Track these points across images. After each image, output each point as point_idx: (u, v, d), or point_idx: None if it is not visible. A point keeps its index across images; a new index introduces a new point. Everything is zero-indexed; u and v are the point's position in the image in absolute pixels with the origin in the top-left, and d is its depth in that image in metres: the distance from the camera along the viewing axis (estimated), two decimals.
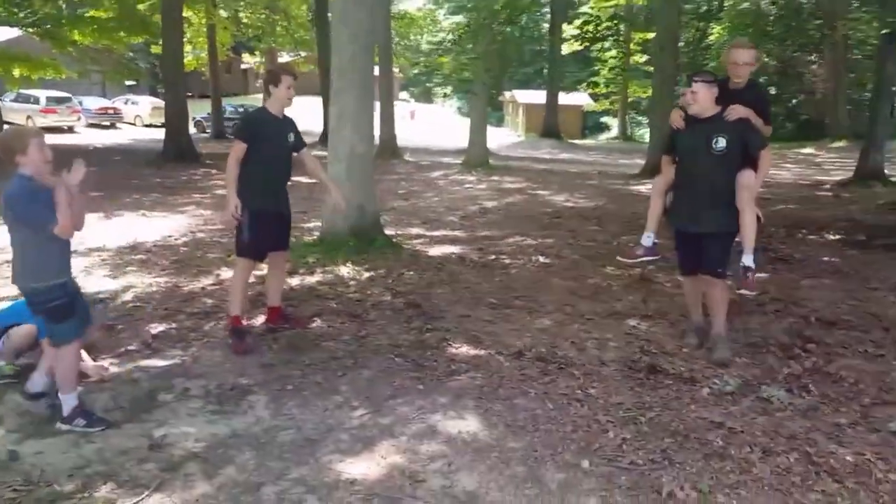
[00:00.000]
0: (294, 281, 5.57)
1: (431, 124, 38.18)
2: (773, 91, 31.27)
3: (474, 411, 3.24)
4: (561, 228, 8.07)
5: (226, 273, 5.93)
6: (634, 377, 3.55)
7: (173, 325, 4.62)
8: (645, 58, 26.90)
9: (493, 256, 6.47)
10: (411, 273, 5.77)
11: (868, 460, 2.62)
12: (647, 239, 3.96)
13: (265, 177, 4.12)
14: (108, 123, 28.84)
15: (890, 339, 3.90)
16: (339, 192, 4.70)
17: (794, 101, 30.57)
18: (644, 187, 12.36)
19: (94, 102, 29.33)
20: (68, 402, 3.09)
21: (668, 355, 3.87)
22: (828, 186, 11.83)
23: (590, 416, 3.12)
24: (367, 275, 5.69)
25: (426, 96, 60.36)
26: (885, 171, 11.94)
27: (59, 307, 3.05)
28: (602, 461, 2.75)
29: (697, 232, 3.78)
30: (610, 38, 16.25)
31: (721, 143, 3.60)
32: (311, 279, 5.60)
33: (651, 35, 23.20)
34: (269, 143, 4.08)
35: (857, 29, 24.29)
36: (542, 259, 6.34)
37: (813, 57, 26.97)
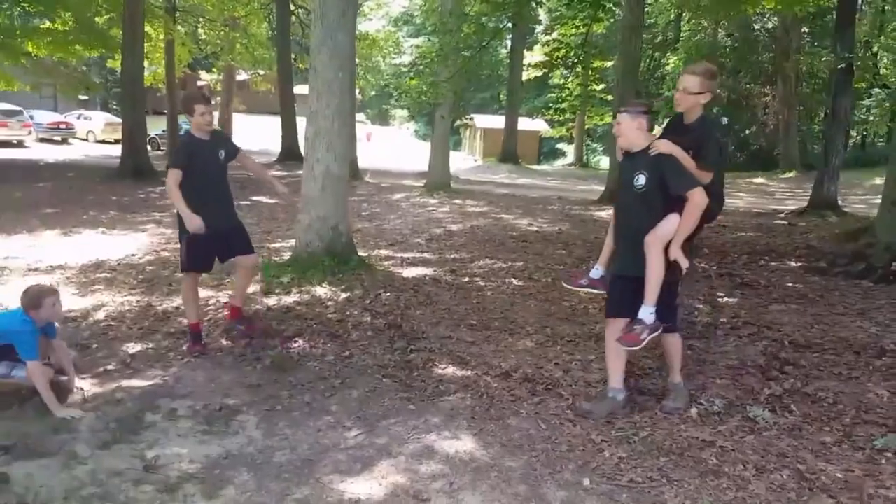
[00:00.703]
0: (271, 301, 5.49)
1: (389, 147, 38.30)
2: (724, 121, 32.61)
3: (468, 431, 3.25)
4: (528, 252, 8.17)
5: (199, 293, 5.79)
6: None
7: (150, 345, 4.51)
8: (602, 86, 27.81)
9: (467, 279, 6.51)
10: (388, 294, 5.76)
11: (858, 477, 2.74)
12: (595, 271, 3.66)
13: (200, 197, 4.31)
14: (59, 138, 27.88)
15: (862, 362, 4.08)
16: (280, 185, 4.99)
17: (746, 131, 31.91)
18: (605, 213, 12.67)
19: (45, 117, 28.38)
20: None
21: (649, 377, 3.96)
22: (783, 215, 12.34)
23: (584, 436, 3.17)
24: (343, 295, 5.65)
25: (383, 118, 60.66)
26: (839, 200, 12.51)
27: None
28: (602, 479, 2.79)
29: (617, 274, 3.51)
30: (578, 64, 16.63)
31: (640, 180, 3.26)
32: (288, 299, 5.53)
33: (609, 63, 24.05)
34: (202, 164, 4.38)
35: (809, 63, 25.64)
36: (515, 282, 6.42)
37: (766, 89, 28.26)
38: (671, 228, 3.20)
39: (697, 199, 3.13)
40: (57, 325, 3.80)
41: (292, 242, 6.97)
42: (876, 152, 27.80)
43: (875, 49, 23.21)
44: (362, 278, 6.16)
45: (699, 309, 5.42)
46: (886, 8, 24.34)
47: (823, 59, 23.11)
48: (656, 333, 3.28)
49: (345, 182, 6.87)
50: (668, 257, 3.21)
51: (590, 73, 21.59)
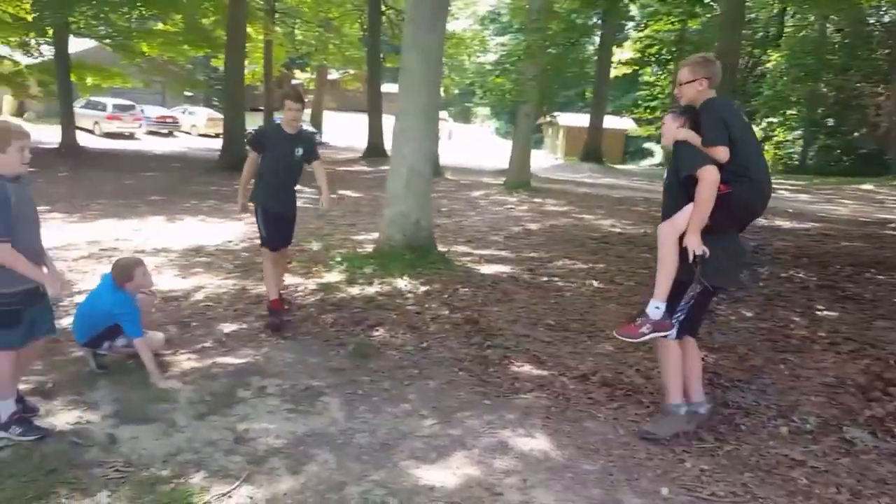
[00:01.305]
0: (354, 290, 5.67)
1: (470, 144, 38.43)
2: (830, 123, 30.48)
3: (543, 430, 3.25)
4: (610, 254, 7.99)
5: (289, 279, 6.08)
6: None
7: (244, 326, 4.77)
8: None
9: (545, 278, 6.46)
10: (466, 289, 5.81)
11: None
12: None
13: (269, 181, 4.82)
14: (166, 131, 29.85)
15: None
16: (327, 194, 5.19)
17: (854, 134, 29.68)
18: None
19: (154, 111, 30.44)
20: (4, 408, 3.00)
21: (738, 390, 3.79)
22: (893, 225, 11.45)
23: (664, 445, 3.09)
24: (423, 288, 5.75)
25: (465, 116, 60.87)
26: None
27: (5, 313, 2.88)
28: (681, 490, 2.71)
29: None
30: (672, 61, 16.04)
31: (666, 175, 3.21)
32: (370, 289, 5.69)
33: None
34: (276, 154, 4.77)
35: None
36: (595, 283, 6.31)
37: (878, 88, 26.16)
38: (685, 215, 2.95)
39: (706, 177, 2.87)
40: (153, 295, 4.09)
41: (375, 235, 7.17)
42: None
43: None
44: (441, 273, 6.25)
45: (796, 322, 5.12)
46: None
47: None
48: (661, 334, 3.01)
49: (428, 179, 7.00)
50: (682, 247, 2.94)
51: None
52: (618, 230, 10.22)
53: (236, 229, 9.00)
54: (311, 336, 4.60)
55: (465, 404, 3.54)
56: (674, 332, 3.07)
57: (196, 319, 4.86)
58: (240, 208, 5.01)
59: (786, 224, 11.14)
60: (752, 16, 25.85)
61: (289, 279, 6.04)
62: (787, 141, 32.11)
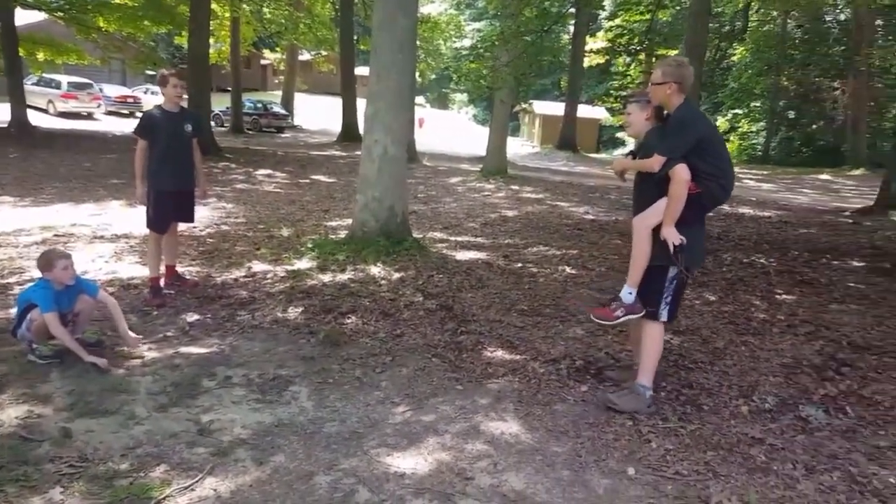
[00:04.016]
0: (326, 277, 5.65)
1: (447, 131, 38.31)
2: (791, 115, 31.36)
3: (514, 414, 3.30)
4: (583, 240, 8.11)
5: (257, 266, 6.03)
6: (670, 390, 3.59)
7: (209, 315, 4.70)
8: None
9: (520, 264, 6.53)
10: (441, 276, 5.84)
11: None
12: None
13: (163, 163, 4.94)
14: (127, 112, 29.06)
15: None
16: (203, 183, 5.34)
17: (813, 126, 30.55)
18: None
19: (114, 90, 29.58)
20: None
21: (701, 371, 3.91)
22: (847, 213, 11.82)
23: (631, 426, 3.17)
24: (397, 275, 5.76)
25: (442, 102, 60.64)
26: None
27: None
28: (647, 469, 2.79)
29: None
30: (642, 51, 16.23)
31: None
32: (343, 276, 5.68)
33: (674, 52, 23.31)
34: (166, 136, 4.92)
35: (882, 57, 24.34)
36: (568, 269, 6.39)
37: (836, 83, 26.97)
38: (657, 211, 3.19)
39: (678, 176, 3.07)
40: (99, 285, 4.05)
41: (349, 221, 7.12)
42: None
43: None
44: (416, 259, 6.26)
45: (756, 305, 5.29)
46: None
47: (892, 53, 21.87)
48: (634, 316, 3.28)
49: (402, 164, 6.96)
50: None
51: (653, 60, 21.05)
52: (591, 217, 10.35)
53: (201, 214, 8.82)
54: (279, 324, 4.55)
55: (438, 390, 3.57)
56: (665, 314, 3.31)
57: (157, 308, 4.79)
58: (140, 197, 5.00)
59: (749, 212, 11.42)
60: (719, 10, 26.26)
61: (257, 266, 5.99)
62: (751, 132, 32.87)
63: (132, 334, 3.94)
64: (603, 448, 2.97)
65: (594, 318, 3.42)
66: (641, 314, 3.28)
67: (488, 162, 16.89)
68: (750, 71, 30.48)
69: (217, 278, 5.66)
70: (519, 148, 31.66)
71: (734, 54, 30.25)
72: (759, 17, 29.06)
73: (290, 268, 5.98)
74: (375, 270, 5.82)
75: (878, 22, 25.61)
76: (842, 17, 27.13)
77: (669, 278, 3.26)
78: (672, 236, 3.13)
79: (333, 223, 8.44)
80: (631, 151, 3.61)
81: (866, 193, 16.17)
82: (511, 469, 2.78)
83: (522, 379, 3.72)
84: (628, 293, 3.26)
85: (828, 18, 27.65)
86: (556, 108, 33.58)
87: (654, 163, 3.15)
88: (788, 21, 27.58)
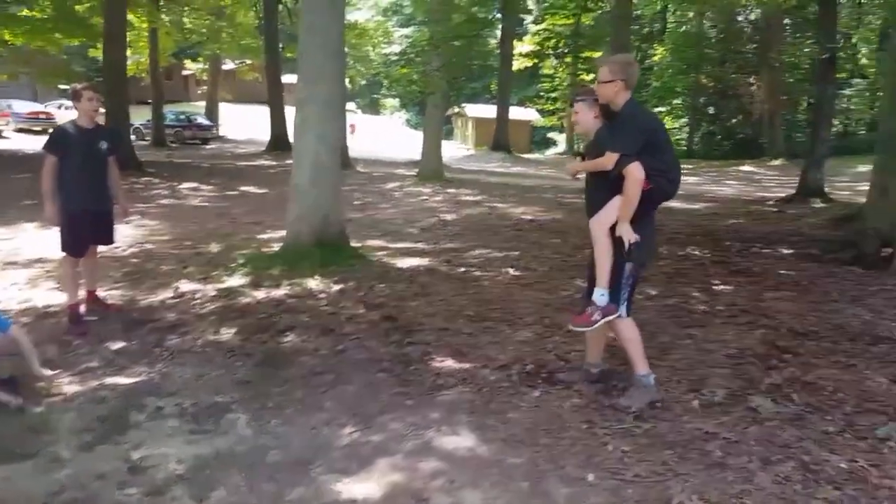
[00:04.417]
0: (260, 294, 5.37)
1: (381, 136, 38.05)
2: (711, 111, 32.86)
3: (468, 426, 3.17)
4: (524, 241, 8.11)
5: (185, 286, 5.69)
6: (622, 388, 3.54)
7: (135, 341, 4.38)
8: (592, 76, 27.56)
9: (463, 269, 6.43)
10: (382, 285, 5.66)
11: (862, 467, 2.69)
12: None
13: (76, 183, 4.59)
14: (39, 129, 27.35)
15: (858, 349, 4.05)
16: (124, 202, 5.11)
17: (733, 120, 32.09)
18: None
19: (24, 106, 27.86)
20: None
21: (651, 366, 3.83)
22: (772, 202, 12.37)
23: (587, 430, 3.10)
24: (336, 287, 5.54)
25: (373, 108, 60.36)
26: (825, 188, 12.58)
27: None
28: (606, 474, 2.72)
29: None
30: (568, 54, 16.58)
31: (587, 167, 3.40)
32: (279, 292, 5.42)
33: (598, 54, 23.91)
34: (80, 153, 4.59)
35: (792, 54, 25.83)
36: (511, 271, 6.34)
37: (751, 79, 28.42)
38: (612, 210, 3.19)
39: (632, 174, 3.06)
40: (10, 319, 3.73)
41: (282, 233, 6.85)
42: (857, 141, 28.10)
43: (854, 40, 23.40)
44: (355, 269, 6.06)
45: (696, 297, 5.37)
46: (863, 1, 24.58)
47: (806, 49, 23.28)
48: (611, 317, 3.26)
49: (336, 171, 6.76)
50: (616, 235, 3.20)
51: (579, 62, 21.52)
52: (529, 217, 10.41)
53: (123, 233, 8.34)
54: (213, 347, 4.27)
55: (387, 407, 3.40)
56: (624, 310, 3.31)
57: (78, 337, 4.42)
58: (50, 217, 4.60)
59: (679, 205, 11.76)
60: (639, 12, 27.23)
61: (185, 286, 5.65)
62: (674, 128, 34.23)
63: (46, 371, 3.60)
64: (560, 455, 2.88)
65: (574, 328, 3.40)
66: (617, 314, 3.26)
67: (424, 166, 16.82)
68: (671, 70, 31.77)
69: (143, 301, 5.30)
70: (454, 151, 31.77)
71: (655, 55, 31.43)
72: (677, 19, 30.32)
73: (221, 286, 5.66)
74: (313, 283, 5.58)
75: (787, 21, 27.15)
76: (752, 16, 28.61)
77: (626, 276, 3.27)
78: (627, 234, 3.14)
79: (266, 236, 8.12)
80: (579, 152, 3.59)
81: (786, 182, 17.02)
82: (468, 486, 2.65)
83: (474, 388, 3.60)
84: (601, 295, 3.24)
85: (740, 18, 29.09)
86: (489, 111, 33.95)
87: (607, 161, 3.12)
88: (704, 22, 28.88)
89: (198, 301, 5.27)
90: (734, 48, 29.36)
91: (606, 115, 3.30)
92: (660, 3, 27.60)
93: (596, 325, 3.26)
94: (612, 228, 3.20)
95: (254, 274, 5.91)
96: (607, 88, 3.18)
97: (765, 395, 3.42)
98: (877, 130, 6.64)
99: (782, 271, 6.21)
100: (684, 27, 30.01)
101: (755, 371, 3.76)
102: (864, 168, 22.87)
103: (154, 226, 9.07)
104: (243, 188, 14.02)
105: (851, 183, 16.74)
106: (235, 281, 5.78)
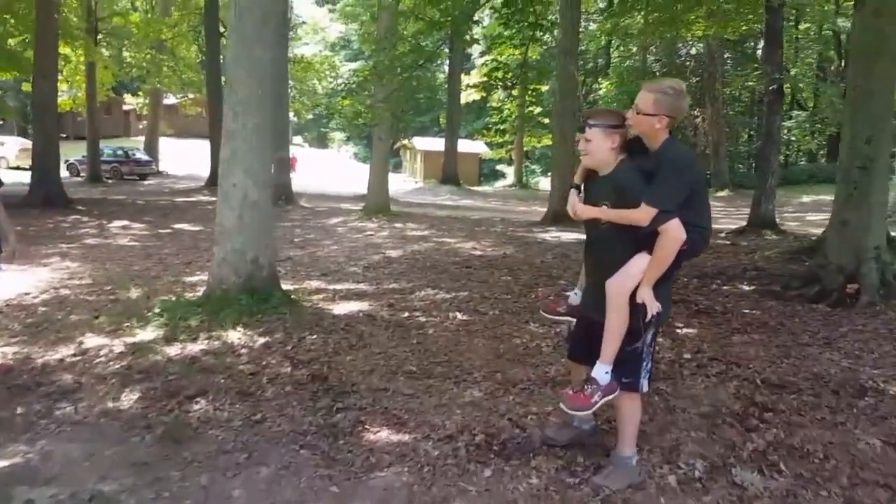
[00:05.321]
0: (173, 350, 4.70)
1: (326, 169, 37.47)
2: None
3: None
4: (473, 279, 7.64)
5: (90, 340, 4.97)
6: (588, 462, 3.04)
7: (18, 411, 3.67)
8: (539, 109, 27.87)
9: (406, 314, 5.88)
10: (314, 337, 5.06)
11: None
12: (575, 297, 3.08)
13: None
14: None
15: (844, 403, 3.69)
16: (14, 240, 4.49)
17: None
18: (548, 235, 12.33)
19: None
20: None
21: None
22: (723, 235, 12.31)
23: None
24: (261, 340, 4.92)
25: (321, 141, 59.94)
26: (776, 219, 12.65)
27: None
28: None
29: (583, 312, 3.01)
30: (516, 86, 16.52)
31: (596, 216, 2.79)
32: (195, 347, 4.75)
33: (545, 87, 24.13)
34: None
35: (736, 86, 26.70)
36: (459, 316, 5.83)
37: (695, 112, 29.21)
38: (637, 271, 2.63)
39: (672, 233, 2.53)
40: None
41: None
42: (798, 171, 29.13)
43: (793, 73, 24.38)
44: (285, 318, 5.44)
45: (659, 343, 4.95)
46: (798, 36, 25.85)
47: (750, 82, 24.09)
48: (611, 396, 2.74)
49: (266, 209, 6.16)
50: (635, 300, 2.65)
51: (527, 94, 21.65)
52: (478, 252, 9.98)
53: (38, 277, 7.54)
54: (109, 417, 3.60)
55: (307, 495, 2.81)
56: (645, 383, 2.84)
57: None
58: None
59: None
60: (583, 47, 27.74)
61: (90, 341, 4.93)
62: None
63: None
64: None
65: (569, 410, 2.81)
66: (617, 392, 2.75)
67: (370, 200, 16.33)
68: (615, 104, 32.48)
69: (38, 360, 4.56)
70: (402, 184, 31.44)
71: (600, 89, 32.02)
72: (621, 54, 31.02)
73: (130, 340, 4.96)
74: (235, 336, 4.94)
75: (727, 55, 28.15)
76: (693, 51, 29.56)
77: (647, 343, 2.74)
78: (651, 301, 2.62)
79: (194, 278, 7.41)
80: (576, 185, 2.92)
81: (734, 213, 17.18)
82: None
83: (413, 468, 3.03)
84: (604, 372, 2.71)
85: (682, 53, 30.01)
86: (437, 144, 33.93)
87: (643, 216, 2.55)
88: (648, 56, 29.64)
89: (101, 359, 4.57)
90: None
91: (629, 150, 2.74)
92: (604, 39, 28.24)
93: (593, 408, 2.75)
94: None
95: (170, 325, 5.23)
96: (648, 122, 2.61)
97: (749, 466, 2.97)
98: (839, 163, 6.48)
99: (746, 311, 5.90)
100: (628, 62, 30.77)
101: (734, 434, 3.31)
102: (808, 198, 23.69)
103: (75, 268, 8.27)
104: (177, 226, 13.19)
105: (798, 213, 17.06)
106: (148, 334, 5.08)
